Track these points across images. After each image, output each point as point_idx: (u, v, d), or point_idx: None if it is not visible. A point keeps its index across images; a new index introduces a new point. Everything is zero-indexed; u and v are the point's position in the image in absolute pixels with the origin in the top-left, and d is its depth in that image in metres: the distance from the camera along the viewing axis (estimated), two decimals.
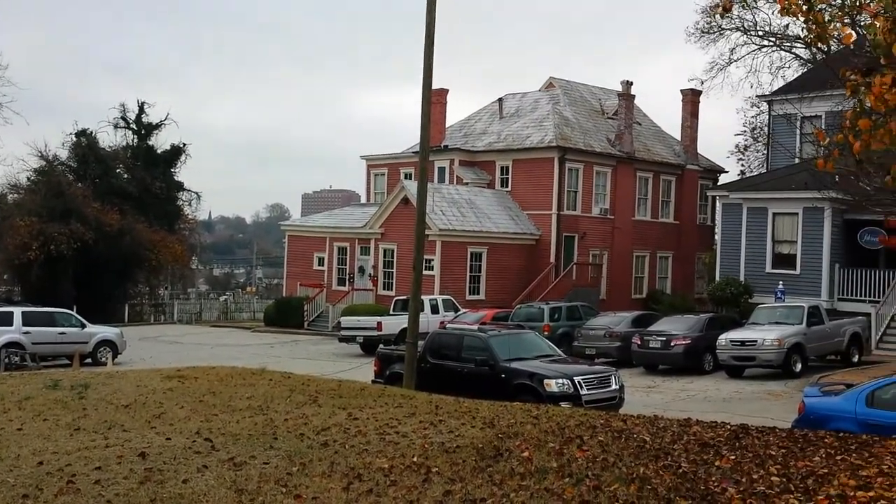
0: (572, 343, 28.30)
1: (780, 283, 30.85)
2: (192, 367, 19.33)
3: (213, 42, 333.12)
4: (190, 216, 62.56)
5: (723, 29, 42.96)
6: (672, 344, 25.81)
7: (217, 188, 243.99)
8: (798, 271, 31.67)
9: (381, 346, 23.69)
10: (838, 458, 9.48)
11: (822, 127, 29.66)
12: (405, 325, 20.10)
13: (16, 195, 51.79)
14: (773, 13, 40.19)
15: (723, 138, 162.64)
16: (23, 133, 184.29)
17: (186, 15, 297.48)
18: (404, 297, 30.57)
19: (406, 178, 41.52)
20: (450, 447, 9.75)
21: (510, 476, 8.37)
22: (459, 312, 32.64)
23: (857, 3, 9.08)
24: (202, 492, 7.80)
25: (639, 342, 26.54)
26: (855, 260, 31.04)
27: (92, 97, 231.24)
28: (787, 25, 40.90)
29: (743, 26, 42.37)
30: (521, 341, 19.03)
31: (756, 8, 39.07)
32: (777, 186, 32.37)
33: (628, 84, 43.70)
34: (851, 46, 20.41)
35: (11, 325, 27.36)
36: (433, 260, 36.72)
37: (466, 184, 41.95)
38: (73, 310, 32.68)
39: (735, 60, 47.03)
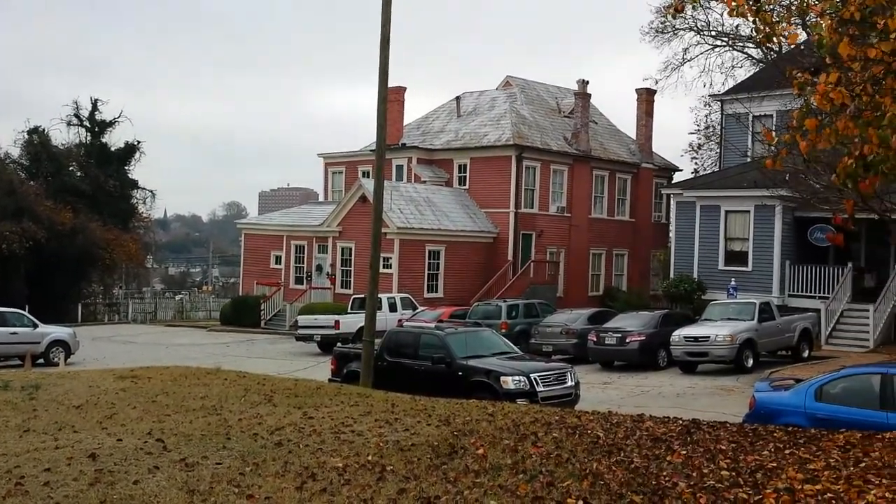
0: (529, 340, 28.44)
1: (733, 279, 31.33)
2: (145, 367, 19.12)
3: (170, 39, 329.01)
4: (144, 214, 61.94)
5: (677, 29, 43.54)
6: (627, 340, 26.07)
7: (173, 186, 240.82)
8: (750, 268, 32.17)
9: (338, 344, 23.62)
10: (787, 451, 9.66)
11: (773, 126, 30.22)
12: (363, 324, 20.04)
13: None
14: (723, 14, 40.81)
15: (677, 137, 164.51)
16: None
17: (143, 11, 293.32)
18: (362, 296, 30.45)
19: (364, 176, 41.38)
20: (405, 445, 9.75)
21: (464, 473, 8.40)
22: (417, 310, 32.65)
23: (805, 4, 9.25)
24: (153, 493, 7.72)
25: (595, 339, 26.76)
26: (805, 257, 31.63)
27: (45, 94, 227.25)
28: (737, 26, 41.55)
29: (696, 26, 43.00)
30: (478, 339, 19.08)
31: (709, 8, 39.66)
32: (729, 185, 32.85)
33: (584, 83, 44.03)
34: (802, 47, 20.81)
35: None
36: (391, 258, 36.68)
37: (424, 182, 41.95)
38: (24, 309, 32.10)
39: (689, 60, 47.72)
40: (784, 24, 9.26)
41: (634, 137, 47.86)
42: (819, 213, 26.52)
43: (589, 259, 44.10)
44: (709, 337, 24.80)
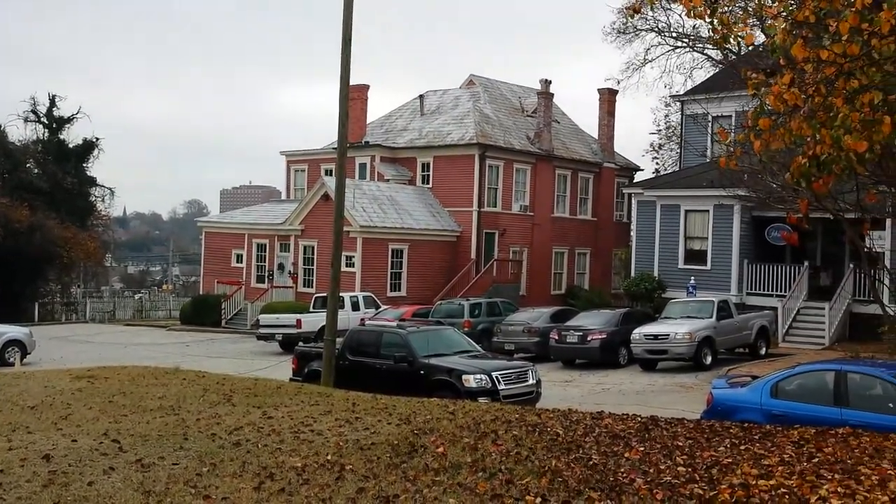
0: (492, 339, 28.52)
1: (692, 278, 31.69)
2: (102, 367, 18.86)
3: (131, 35, 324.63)
4: (103, 212, 61.11)
5: (638, 30, 43.82)
6: (588, 339, 26.24)
7: (133, 184, 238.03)
8: (709, 267, 32.56)
9: (300, 343, 23.49)
10: (742, 447, 9.79)
11: (732, 126, 30.58)
12: (325, 323, 19.96)
13: None
14: (683, 15, 41.19)
15: (639, 137, 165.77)
16: None
17: (103, 6, 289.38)
18: (324, 295, 30.30)
19: (327, 174, 41.17)
20: (365, 444, 9.73)
21: (424, 472, 8.41)
22: (380, 309, 32.58)
23: (761, 5, 9.38)
24: (108, 494, 7.62)
25: (556, 337, 26.91)
26: (763, 255, 32.08)
27: (0, 89, 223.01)
28: (694, 26, 41.94)
29: (657, 27, 43.29)
30: (440, 337, 19.10)
31: (669, 10, 39.97)
32: (689, 184, 33.21)
33: (547, 83, 44.22)
34: (760, 49, 21.08)
35: None
36: (354, 257, 36.57)
37: (387, 180, 41.86)
38: None
39: (650, 61, 48.10)
40: (741, 25, 9.39)
41: (596, 137, 48.17)
42: (776, 212, 26.90)
43: (551, 258, 44.32)
44: (668, 335, 25.06)
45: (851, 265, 29.73)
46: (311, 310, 32.60)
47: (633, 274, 34.95)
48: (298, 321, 30.66)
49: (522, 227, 42.54)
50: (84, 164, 57.29)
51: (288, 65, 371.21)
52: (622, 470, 8.45)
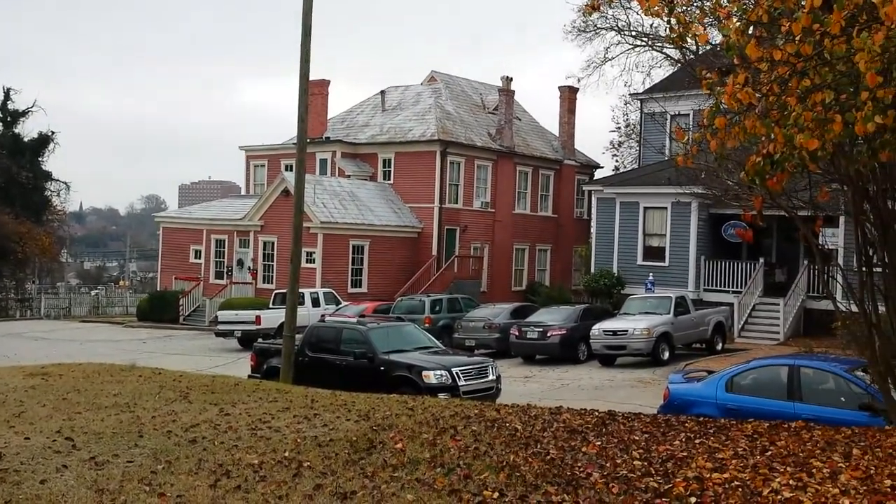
0: (453, 335, 28.58)
1: (650, 274, 32.01)
2: (57, 364, 18.56)
3: (88, 27, 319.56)
4: (59, 207, 60.34)
5: (598, 28, 44.05)
6: (548, 334, 26.41)
7: (89, 179, 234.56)
8: (667, 263, 32.92)
9: (259, 340, 23.33)
10: (697, 441, 9.90)
11: (690, 124, 30.93)
12: (285, 319, 19.83)
13: None
14: (640, 13, 41.50)
15: (599, 135, 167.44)
16: None
17: None
18: (284, 291, 30.15)
19: (287, 169, 40.92)
20: (323, 441, 9.69)
21: (382, 468, 8.39)
22: (341, 305, 32.47)
23: (716, 5, 9.47)
24: (61, 492, 7.51)
25: (517, 333, 27.04)
26: (720, 252, 32.51)
27: None
28: (653, 25, 42.29)
29: (617, 26, 43.57)
30: (401, 333, 19.09)
31: (629, 8, 40.22)
32: (647, 182, 33.54)
33: (508, 80, 44.37)
34: (718, 48, 21.33)
35: None
36: (314, 253, 36.39)
37: (348, 176, 41.72)
38: None
39: (610, 59, 48.44)
40: (697, 25, 9.48)
41: (557, 135, 48.43)
42: (732, 209, 27.28)
43: (512, 254, 44.51)
44: (627, 331, 25.31)
45: (805, 262, 30.24)
46: (271, 306, 32.40)
47: (592, 270, 35.21)
48: (258, 317, 30.47)
49: (483, 224, 42.65)
50: (39, 159, 56.51)
51: (248, 59, 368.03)
52: (579, 464, 8.50)
